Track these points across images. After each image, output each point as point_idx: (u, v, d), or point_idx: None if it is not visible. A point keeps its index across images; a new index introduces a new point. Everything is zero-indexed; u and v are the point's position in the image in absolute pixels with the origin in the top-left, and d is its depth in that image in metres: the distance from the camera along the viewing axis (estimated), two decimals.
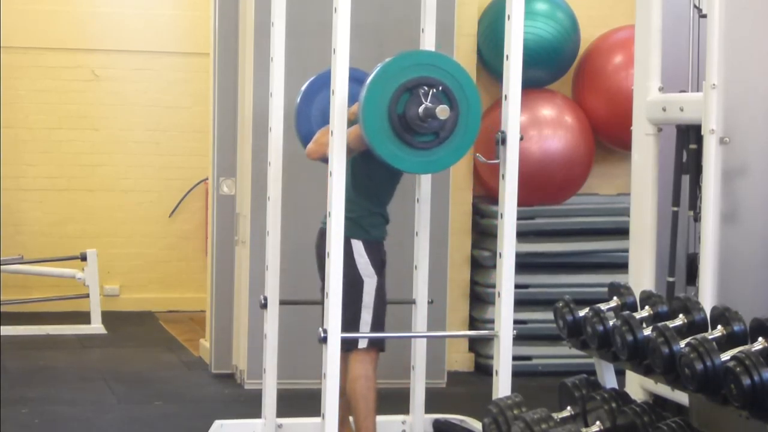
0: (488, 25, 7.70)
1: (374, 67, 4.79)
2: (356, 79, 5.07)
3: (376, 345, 5.26)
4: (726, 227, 4.49)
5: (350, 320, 5.09)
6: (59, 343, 8.56)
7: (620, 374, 4.49)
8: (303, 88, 5.61)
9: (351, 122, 5.05)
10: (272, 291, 5.65)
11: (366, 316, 5.18)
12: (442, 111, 4.67)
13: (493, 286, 4.90)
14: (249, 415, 6.02)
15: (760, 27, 4.52)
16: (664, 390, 4.51)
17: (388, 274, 5.36)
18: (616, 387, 4.25)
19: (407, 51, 4.97)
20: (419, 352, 5.74)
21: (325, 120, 4.93)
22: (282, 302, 5.68)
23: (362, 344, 5.17)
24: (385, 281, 5.29)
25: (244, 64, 7.15)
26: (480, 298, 7.78)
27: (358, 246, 5.18)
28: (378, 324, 5.22)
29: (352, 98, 4.89)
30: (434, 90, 4.69)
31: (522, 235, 6.41)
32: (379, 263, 5.24)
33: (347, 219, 4.79)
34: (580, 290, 7.30)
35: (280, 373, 5.73)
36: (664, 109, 4.89)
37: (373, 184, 5.24)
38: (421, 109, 4.67)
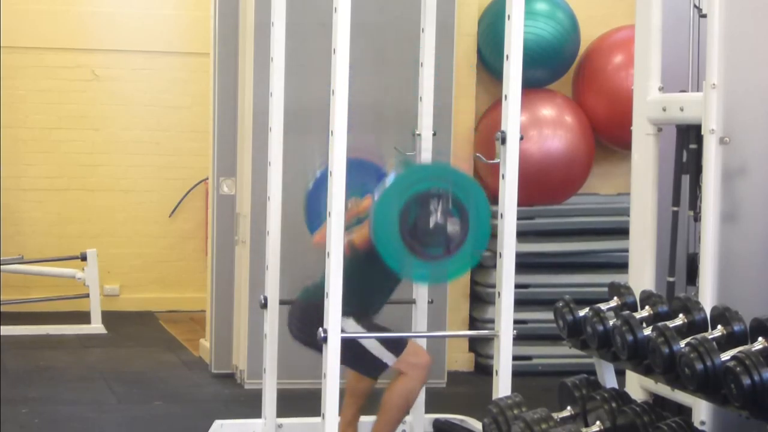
0: (488, 25, 7.71)
1: (390, 173, 4.91)
2: (365, 169, 5.13)
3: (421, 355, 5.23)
4: (726, 227, 4.48)
5: (368, 361, 5.11)
6: (59, 343, 8.57)
7: (620, 374, 4.49)
8: (316, 175, 5.58)
9: (362, 219, 5.09)
10: (272, 291, 5.65)
11: (370, 344, 5.15)
12: (454, 228, 4.70)
13: (493, 286, 4.90)
14: (249, 415, 6.02)
15: (760, 27, 4.51)
16: (664, 390, 4.51)
17: None
18: (616, 387, 4.25)
19: (417, 164, 5.02)
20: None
21: None
22: (282, 302, 5.68)
23: (390, 361, 5.15)
24: (363, 316, 5.22)
25: (244, 64, 7.15)
26: (480, 298, 7.78)
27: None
28: (388, 341, 5.18)
29: (361, 189, 4.91)
30: (444, 203, 4.72)
31: (522, 235, 6.40)
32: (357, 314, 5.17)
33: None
34: (580, 290, 7.30)
35: (280, 373, 5.73)
36: (664, 109, 4.88)
37: (375, 273, 5.16)
38: (431, 224, 4.71)
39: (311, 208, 5.57)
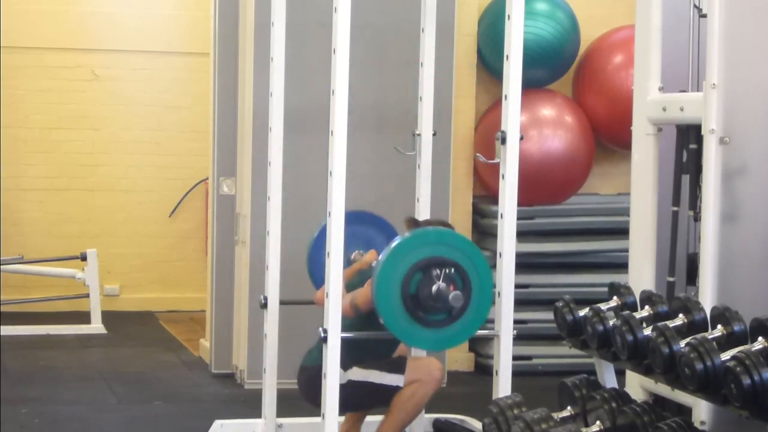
0: (488, 25, 7.71)
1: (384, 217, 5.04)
2: (373, 223, 5.14)
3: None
4: (726, 227, 4.49)
5: (380, 394, 5.12)
6: (59, 343, 8.56)
7: (620, 374, 4.49)
8: (320, 226, 5.50)
9: (364, 273, 5.09)
10: (272, 291, 5.64)
11: (371, 375, 5.16)
12: (456, 299, 4.69)
13: (493, 286, 4.90)
14: (249, 415, 6.02)
15: (760, 27, 4.52)
16: (664, 390, 4.51)
17: None
18: (616, 387, 4.25)
19: (419, 230, 4.99)
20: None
21: None
22: (282, 302, 5.68)
23: (399, 382, 5.14)
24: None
25: (244, 64, 7.15)
26: None
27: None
28: (386, 363, 5.20)
29: (365, 242, 4.89)
30: (447, 270, 4.71)
31: (522, 235, 6.40)
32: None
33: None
34: (580, 290, 7.30)
35: (280, 373, 5.73)
36: (664, 109, 4.89)
37: (368, 340, 5.17)
38: (434, 291, 4.69)
39: (314, 259, 5.57)
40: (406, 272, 4.69)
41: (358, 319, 4.99)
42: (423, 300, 4.70)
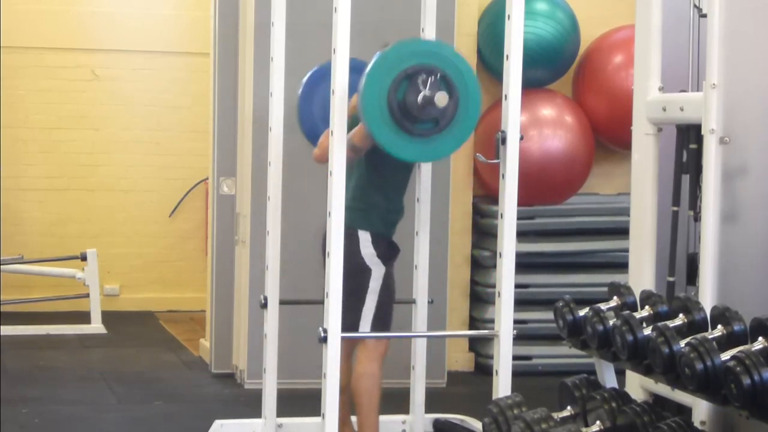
0: (488, 25, 7.71)
1: (373, 56, 4.79)
2: (355, 69, 5.07)
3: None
4: (726, 227, 4.48)
5: (354, 305, 5.12)
6: (59, 343, 8.57)
7: (620, 374, 4.49)
8: (303, 80, 5.59)
9: (351, 115, 5.06)
10: (272, 291, 5.64)
11: (370, 303, 5.17)
12: (441, 98, 4.64)
13: (493, 286, 4.90)
14: (249, 415, 6.02)
15: (760, 27, 4.51)
16: (664, 390, 4.51)
17: None
18: (616, 387, 4.25)
19: (406, 39, 4.94)
20: (419, 351, 5.74)
21: (327, 115, 4.92)
22: (282, 302, 5.68)
23: (364, 327, 5.18)
24: (392, 272, 5.30)
25: (244, 64, 7.15)
26: (480, 298, 7.78)
27: (364, 236, 5.21)
28: (382, 315, 5.23)
29: (352, 89, 4.89)
30: (433, 77, 4.66)
31: (522, 235, 6.41)
32: (385, 255, 5.27)
33: (357, 210, 4.83)
34: (580, 290, 7.29)
35: (280, 373, 5.73)
36: (664, 109, 4.88)
37: (383, 178, 5.27)
38: (419, 97, 4.64)
39: (304, 117, 5.54)
40: (391, 82, 4.63)
41: (359, 171, 4.99)
42: (410, 108, 4.63)
